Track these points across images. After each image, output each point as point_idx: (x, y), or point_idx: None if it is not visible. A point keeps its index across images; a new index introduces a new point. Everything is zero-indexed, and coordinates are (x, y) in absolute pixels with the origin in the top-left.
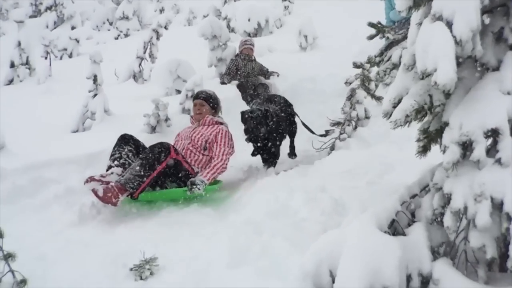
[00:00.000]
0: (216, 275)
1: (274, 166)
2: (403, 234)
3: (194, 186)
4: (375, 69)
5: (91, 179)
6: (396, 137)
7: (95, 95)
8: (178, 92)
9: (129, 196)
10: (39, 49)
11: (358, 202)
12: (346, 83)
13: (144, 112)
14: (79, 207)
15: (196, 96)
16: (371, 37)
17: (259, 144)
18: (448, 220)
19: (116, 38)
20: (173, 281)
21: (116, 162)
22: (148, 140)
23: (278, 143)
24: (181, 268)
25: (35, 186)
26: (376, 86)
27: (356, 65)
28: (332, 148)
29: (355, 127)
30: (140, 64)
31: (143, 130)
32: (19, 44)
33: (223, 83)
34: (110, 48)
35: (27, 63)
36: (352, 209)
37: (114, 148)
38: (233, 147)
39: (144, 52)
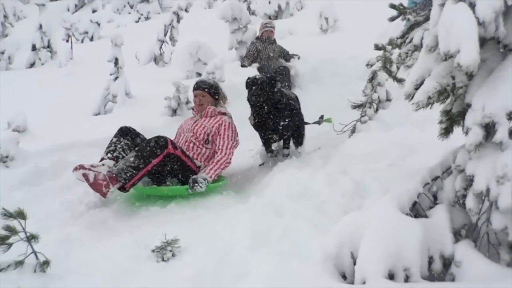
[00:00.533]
0: (237, 256)
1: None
2: (425, 216)
3: (196, 184)
4: (396, 51)
5: (80, 167)
6: (418, 119)
7: (117, 78)
8: (199, 74)
9: (121, 189)
10: (60, 32)
11: (379, 185)
12: (367, 65)
13: (165, 95)
14: None
15: (196, 87)
16: (392, 19)
17: (263, 118)
18: (470, 202)
19: (137, 21)
20: (194, 262)
21: (109, 155)
22: (169, 123)
23: (286, 120)
24: (202, 250)
25: (57, 168)
26: (398, 68)
27: (377, 47)
28: (353, 130)
29: (376, 110)
30: (160, 47)
31: (164, 113)
32: (41, 27)
33: (243, 66)
34: (130, 31)
35: (48, 46)
36: (374, 191)
37: (111, 140)
38: (237, 139)
39: (165, 35)
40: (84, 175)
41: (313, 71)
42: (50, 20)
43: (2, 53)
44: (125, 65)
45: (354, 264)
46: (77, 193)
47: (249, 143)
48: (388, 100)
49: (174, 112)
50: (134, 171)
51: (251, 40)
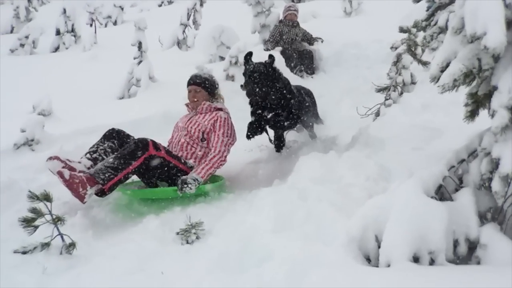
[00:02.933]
0: (261, 239)
1: (280, 149)
2: (450, 199)
3: (186, 186)
4: (421, 34)
5: (56, 157)
6: (443, 103)
7: (140, 62)
8: (222, 58)
9: (98, 194)
10: (84, 17)
11: (404, 168)
12: (392, 48)
13: (188, 79)
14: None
15: (190, 81)
16: (417, 1)
17: (261, 112)
18: (496, 185)
19: (160, 5)
20: (218, 244)
21: (88, 155)
22: None
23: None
24: (226, 233)
25: (82, 151)
26: (423, 51)
27: (402, 30)
28: (377, 114)
29: (401, 93)
30: (184, 31)
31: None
32: (64, 11)
33: (266, 49)
34: (154, 15)
35: (72, 30)
36: (398, 175)
37: (96, 142)
38: (234, 136)
39: (188, 19)
40: (59, 172)
41: (336, 54)
42: (74, 5)
43: (27, 37)
44: (149, 49)
45: (379, 247)
46: None
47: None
48: (413, 83)
49: None
50: (113, 172)
51: (274, 24)
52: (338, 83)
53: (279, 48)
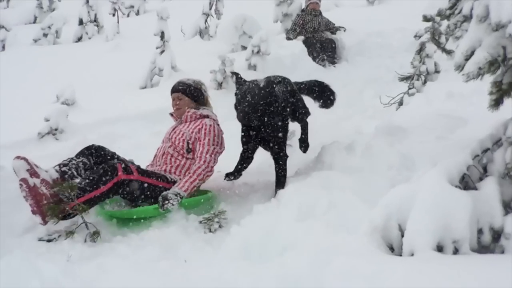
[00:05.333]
0: (284, 228)
1: (282, 187)
2: (474, 188)
3: (166, 202)
4: (445, 23)
5: (23, 158)
6: (467, 91)
7: (163, 51)
8: (244, 48)
9: (64, 217)
10: (107, 6)
11: (427, 157)
12: (415, 36)
13: (210, 68)
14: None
15: (172, 89)
16: None
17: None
18: None
19: None
20: (241, 233)
21: (57, 167)
22: (214, 96)
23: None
24: (249, 221)
25: (106, 141)
26: (447, 39)
27: (426, 19)
28: (401, 103)
29: (425, 82)
30: (206, 21)
31: (210, 87)
32: (87, 1)
33: (288, 38)
34: (176, 4)
35: (95, 20)
36: (422, 164)
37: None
38: (221, 144)
39: (210, 8)
40: (24, 180)
41: (359, 43)
42: None
43: (49, 27)
44: (171, 38)
45: (402, 236)
46: None
47: None
48: (437, 72)
49: (219, 85)
50: (79, 192)
51: (296, 13)
52: (361, 72)
53: (301, 38)
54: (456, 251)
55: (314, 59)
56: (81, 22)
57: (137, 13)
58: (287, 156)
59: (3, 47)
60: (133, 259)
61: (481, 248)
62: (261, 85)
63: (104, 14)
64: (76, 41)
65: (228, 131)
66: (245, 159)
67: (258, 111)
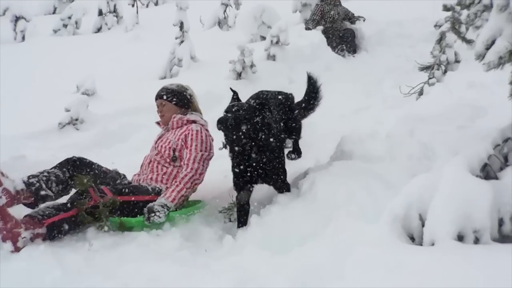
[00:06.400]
0: (304, 217)
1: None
2: (495, 178)
3: (153, 214)
4: (465, 12)
5: None
6: (488, 81)
7: (182, 42)
8: (263, 38)
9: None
10: None
11: (448, 147)
12: (435, 26)
13: (229, 58)
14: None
15: (155, 97)
16: None
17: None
18: None
19: None
20: (261, 223)
21: (24, 178)
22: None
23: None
24: (269, 211)
25: (126, 131)
26: (467, 29)
27: (446, 8)
28: (421, 93)
29: (445, 71)
30: (225, 11)
31: (229, 77)
32: None
33: (307, 28)
34: None
35: (114, 11)
36: (442, 154)
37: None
38: (210, 150)
39: None
40: None
41: (379, 33)
42: None
43: (69, 18)
44: (190, 29)
45: (423, 226)
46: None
47: None
48: (457, 61)
49: (239, 75)
50: (54, 211)
51: (315, 3)
52: (380, 62)
53: (320, 27)
54: (477, 241)
55: (333, 49)
56: (100, 13)
57: (156, 4)
58: (289, 185)
59: (23, 38)
60: (154, 248)
61: (502, 238)
62: (252, 102)
63: (123, 5)
64: (96, 32)
65: None
66: (244, 211)
67: (241, 124)
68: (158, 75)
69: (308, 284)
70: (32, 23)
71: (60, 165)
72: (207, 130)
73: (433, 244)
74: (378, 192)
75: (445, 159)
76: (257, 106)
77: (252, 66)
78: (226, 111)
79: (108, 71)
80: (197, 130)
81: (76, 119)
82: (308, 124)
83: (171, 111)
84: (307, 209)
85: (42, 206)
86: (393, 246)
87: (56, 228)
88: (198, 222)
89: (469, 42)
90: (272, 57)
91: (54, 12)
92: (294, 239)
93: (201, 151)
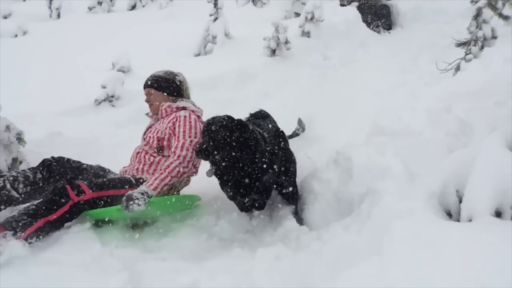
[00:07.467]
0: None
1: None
2: None
3: (131, 202)
4: None
5: None
6: None
7: (216, 19)
8: (297, 15)
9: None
10: None
11: (486, 122)
12: (472, 2)
13: (263, 35)
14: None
15: (143, 85)
16: None
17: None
18: None
19: None
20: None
21: None
22: (268, 63)
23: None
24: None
25: None
26: (503, 5)
27: None
28: (458, 69)
29: (482, 48)
30: None
31: (263, 54)
32: None
33: (342, 5)
34: None
35: None
36: (480, 130)
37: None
38: (200, 136)
39: None
40: None
41: (415, 9)
42: None
43: None
44: (224, 6)
45: (460, 202)
46: None
47: None
48: (494, 37)
49: (273, 52)
50: (31, 219)
51: None
52: (416, 38)
53: (355, 3)
54: None
55: (368, 25)
56: None
57: None
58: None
59: (58, 15)
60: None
61: None
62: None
63: None
64: (130, 9)
65: (282, 97)
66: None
67: (221, 150)
68: (192, 52)
69: (347, 260)
70: (67, 1)
71: (34, 167)
72: (198, 116)
73: (470, 220)
74: (415, 168)
75: (483, 135)
76: (238, 126)
77: (286, 43)
78: (206, 132)
79: (143, 49)
80: (185, 116)
81: (112, 96)
82: (344, 100)
83: (159, 99)
84: (343, 184)
85: (17, 213)
86: (430, 222)
87: (35, 233)
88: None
89: (505, 18)
90: (306, 34)
91: None
92: (331, 216)
93: (189, 137)
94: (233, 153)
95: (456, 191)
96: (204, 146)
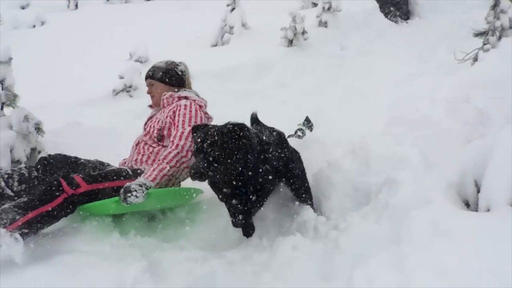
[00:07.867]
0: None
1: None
2: None
3: (129, 194)
4: None
5: None
6: None
7: (233, 9)
8: (315, 5)
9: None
10: None
11: (504, 113)
12: None
13: (281, 25)
14: (219, 118)
15: (145, 76)
16: None
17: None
18: None
19: None
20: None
21: None
22: (285, 53)
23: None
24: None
25: None
26: None
27: None
28: (475, 59)
29: (499, 38)
30: None
31: (281, 44)
32: None
33: None
34: None
35: None
36: (498, 120)
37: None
38: None
39: None
40: None
41: None
42: None
43: None
44: None
45: (478, 192)
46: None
47: None
48: (511, 27)
49: (290, 42)
50: (20, 211)
51: None
52: (434, 28)
53: None
54: None
55: (386, 15)
56: None
57: None
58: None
59: (76, 6)
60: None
61: None
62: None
63: None
64: (147, 0)
65: (299, 88)
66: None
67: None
68: (209, 43)
69: (365, 250)
70: None
71: (31, 165)
72: (200, 106)
73: (488, 210)
74: (433, 158)
75: (501, 125)
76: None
77: (303, 33)
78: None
79: (160, 39)
80: (185, 105)
81: (130, 86)
82: (362, 90)
83: (161, 90)
84: (361, 174)
85: (7, 206)
86: (448, 211)
87: (24, 226)
88: None
89: None
90: (323, 24)
91: None
92: (349, 205)
93: (189, 126)
94: (230, 166)
95: (475, 181)
96: (198, 167)
